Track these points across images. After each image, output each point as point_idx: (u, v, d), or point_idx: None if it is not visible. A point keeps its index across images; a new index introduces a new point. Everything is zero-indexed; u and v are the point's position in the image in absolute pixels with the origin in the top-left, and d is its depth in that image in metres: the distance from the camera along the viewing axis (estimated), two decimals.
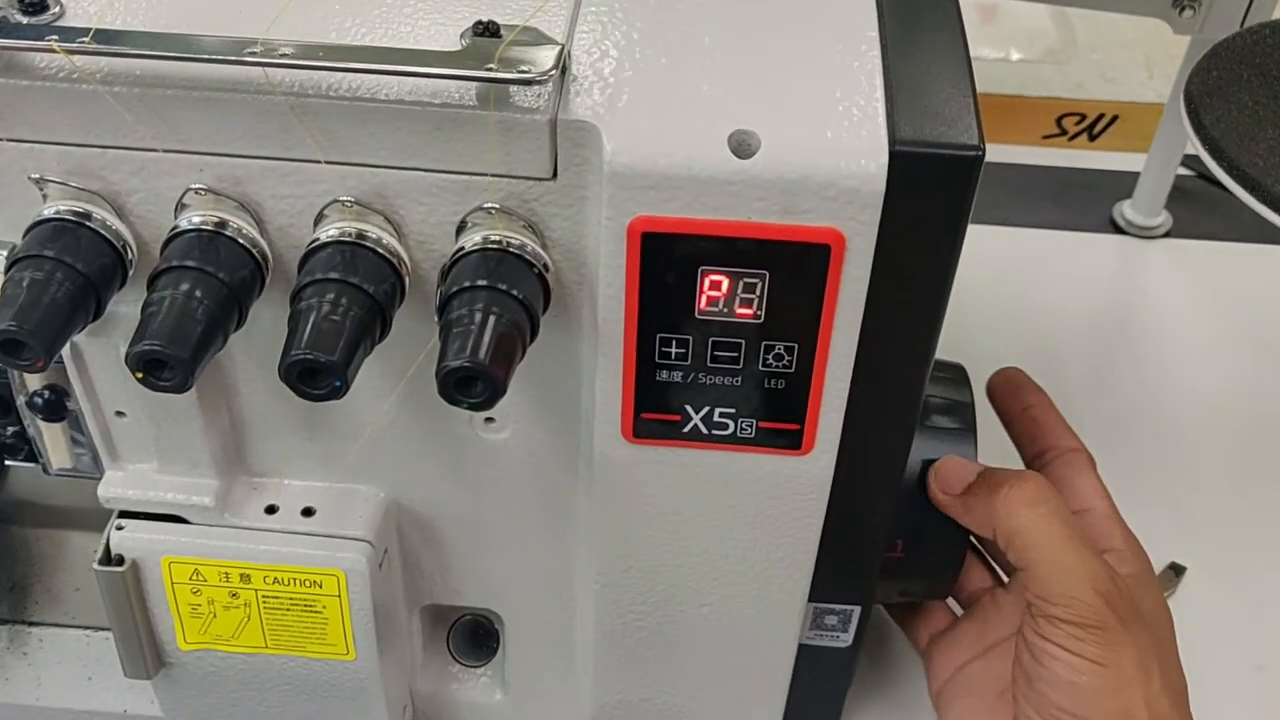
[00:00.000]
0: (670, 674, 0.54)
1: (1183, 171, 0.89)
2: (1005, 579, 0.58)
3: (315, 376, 0.38)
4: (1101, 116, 1.05)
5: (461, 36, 0.40)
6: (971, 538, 0.55)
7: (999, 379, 0.60)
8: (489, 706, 0.58)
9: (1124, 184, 0.92)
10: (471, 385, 0.38)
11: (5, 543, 0.54)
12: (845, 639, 0.55)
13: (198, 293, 0.39)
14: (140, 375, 0.38)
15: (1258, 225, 0.91)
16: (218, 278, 0.40)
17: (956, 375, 0.57)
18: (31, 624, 0.55)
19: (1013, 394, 0.59)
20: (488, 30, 0.39)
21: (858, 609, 0.53)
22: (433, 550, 0.52)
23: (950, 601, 0.60)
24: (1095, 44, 1.07)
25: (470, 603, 0.54)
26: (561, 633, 0.54)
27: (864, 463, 0.46)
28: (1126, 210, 0.90)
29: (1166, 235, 0.90)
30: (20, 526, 0.54)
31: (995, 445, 0.58)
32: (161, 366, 0.38)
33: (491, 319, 0.38)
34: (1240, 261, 0.89)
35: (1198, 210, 0.91)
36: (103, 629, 0.55)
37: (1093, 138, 1.08)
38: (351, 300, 0.39)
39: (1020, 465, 0.58)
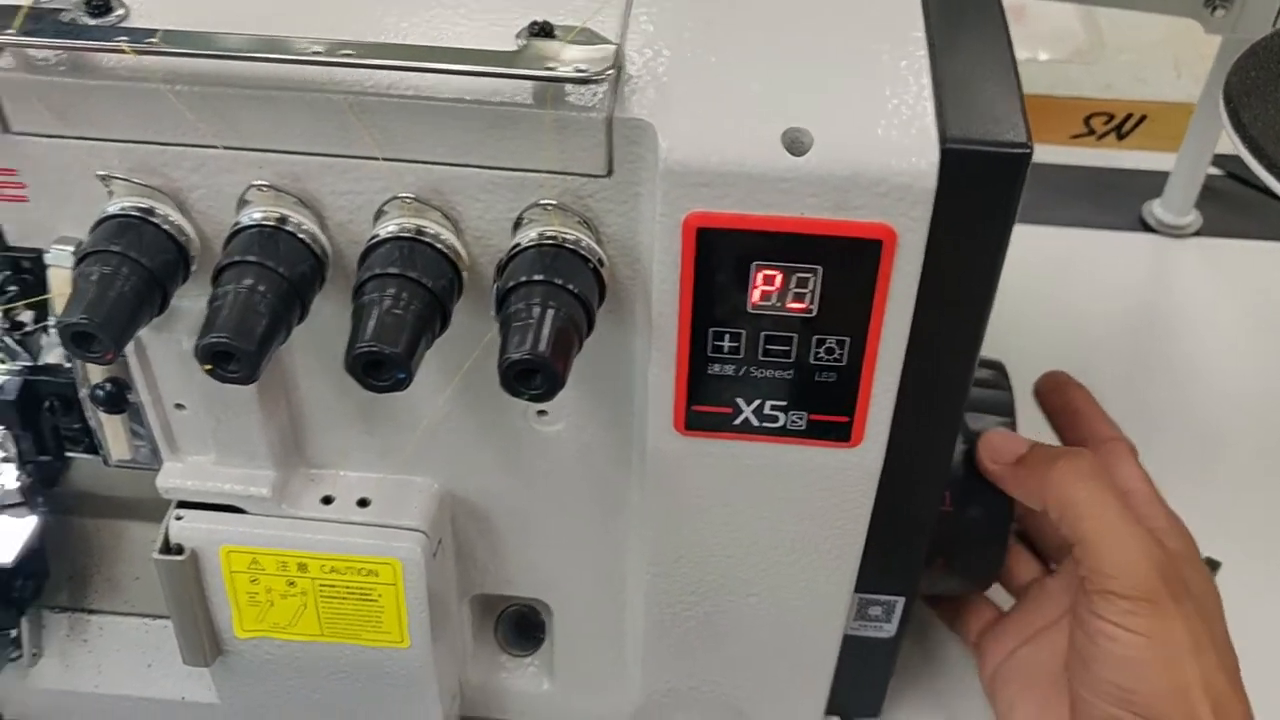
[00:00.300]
0: (717, 663, 0.55)
1: (1212, 170, 0.89)
2: (1052, 568, 0.58)
3: (380, 368, 0.39)
4: (1130, 116, 1.06)
5: (517, 36, 0.41)
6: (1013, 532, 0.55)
7: (1045, 381, 0.61)
8: (537, 696, 0.59)
9: (1153, 183, 0.93)
10: (532, 377, 0.39)
11: (66, 533, 0.55)
12: (889, 629, 0.55)
13: (261, 287, 0.40)
14: (208, 368, 0.39)
15: None
16: (279, 272, 0.41)
17: (997, 370, 0.58)
18: (91, 612, 0.57)
19: (1056, 391, 0.60)
20: (543, 30, 0.40)
21: (902, 600, 0.54)
22: (485, 540, 0.53)
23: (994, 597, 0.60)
24: (1124, 44, 1.07)
25: (521, 592, 0.55)
26: (610, 622, 0.55)
27: (911, 455, 0.46)
28: (1156, 209, 0.91)
29: (1197, 234, 0.90)
30: (80, 517, 0.55)
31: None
32: (229, 359, 0.39)
33: (550, 313, 0.39)
34: (1271, 260, 0.89)
35: (1228, 209, 0.91)
36: (161, 617, 0.56)
37: (1121, 137, 1.08)
38: (413, 295, 0.40)
39: None
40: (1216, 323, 0.85)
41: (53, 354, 0.51)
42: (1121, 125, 1.05)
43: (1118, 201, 0.93)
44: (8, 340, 0.48)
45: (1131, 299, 0.87)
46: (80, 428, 0.51)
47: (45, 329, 0.47)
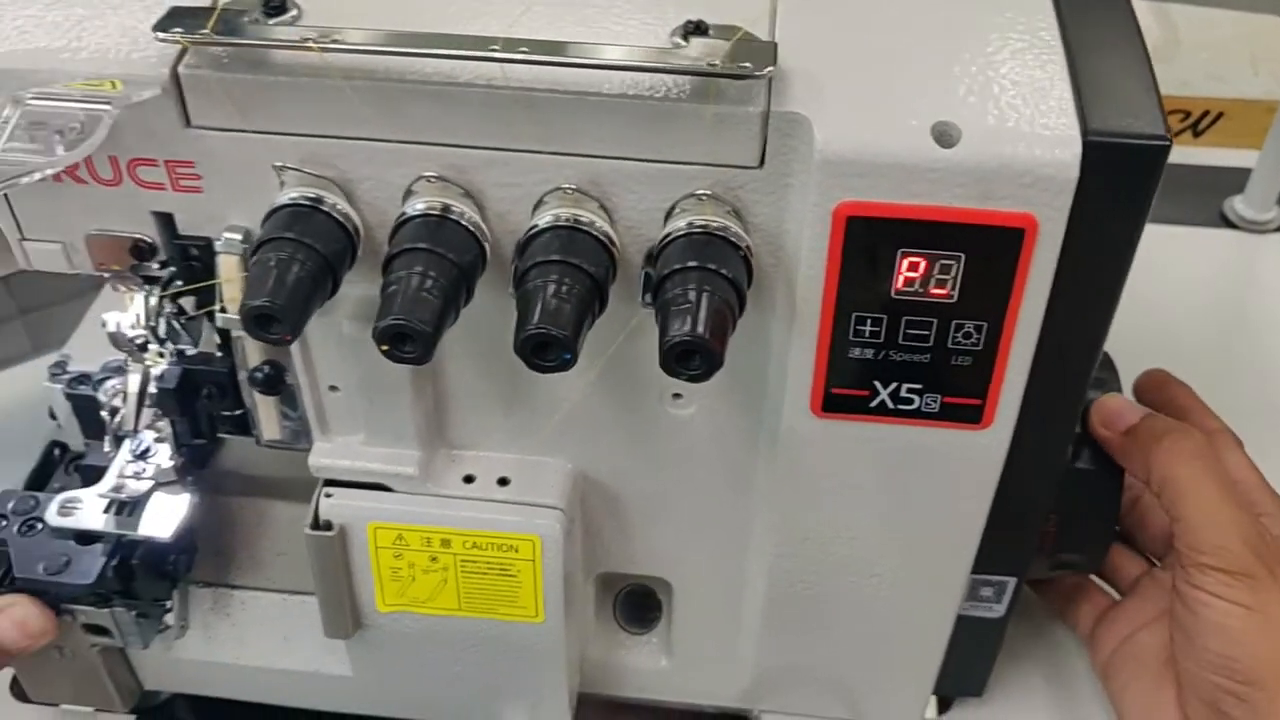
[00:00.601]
0: (832, 641, 0.57)
1: None
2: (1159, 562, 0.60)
3: (547, 350, 0.41)
4: (1206, 113, 1.07)
5: (672, 34, 0.43)
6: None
7: (1144, 379, 0.63)
8: (654, 673, 0.61)
9: (1232, 179, 0.94)
10: (691, 358, 0.41)
11: (212, 511, 0.57)
12: (999, 609, 0.57)
13: (433, 272, 0.42)
14: (385, 348, 0.42)
15: None
16: (449, 259, 0.43)
17: (1104, 360, 0.60)
18: (234, 587, 0.59)
19: (1157, 389, 0.62)
20: (698, 29, 0.42)
21: (1013, 580, 0.56)
22: (613, 520, 0.55)
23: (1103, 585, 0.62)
24: (1200, 42, 1.08)
25: (645, 571, 0.57)
26: (729, 601, 0.57)
27: (1034, 437, 0.48)
28: (1238, 205, 0.92)
29: (1279, 230, 0.91)
30: (226, 496, 0.58)
31: None
32: (405, 340, 0.41)
33: (706, 296, 0.41)
34: None
35: None
36: (300, 593, 0.59)
37: (1197, 134, 1.09)
38: (575, 279, 0.42)
39: None
40: None
41: (207, 343, 0.54)
42: (1198, 123, 1.06)
43: (1198, 198, 0.94)
44: (175, 324, 0.51)
45: (1215, 295, 0.88)
46: (233, 413, 0.54)
47: (209, 315, 0.49)
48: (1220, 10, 0.91)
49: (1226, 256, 0.90)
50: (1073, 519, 0.56)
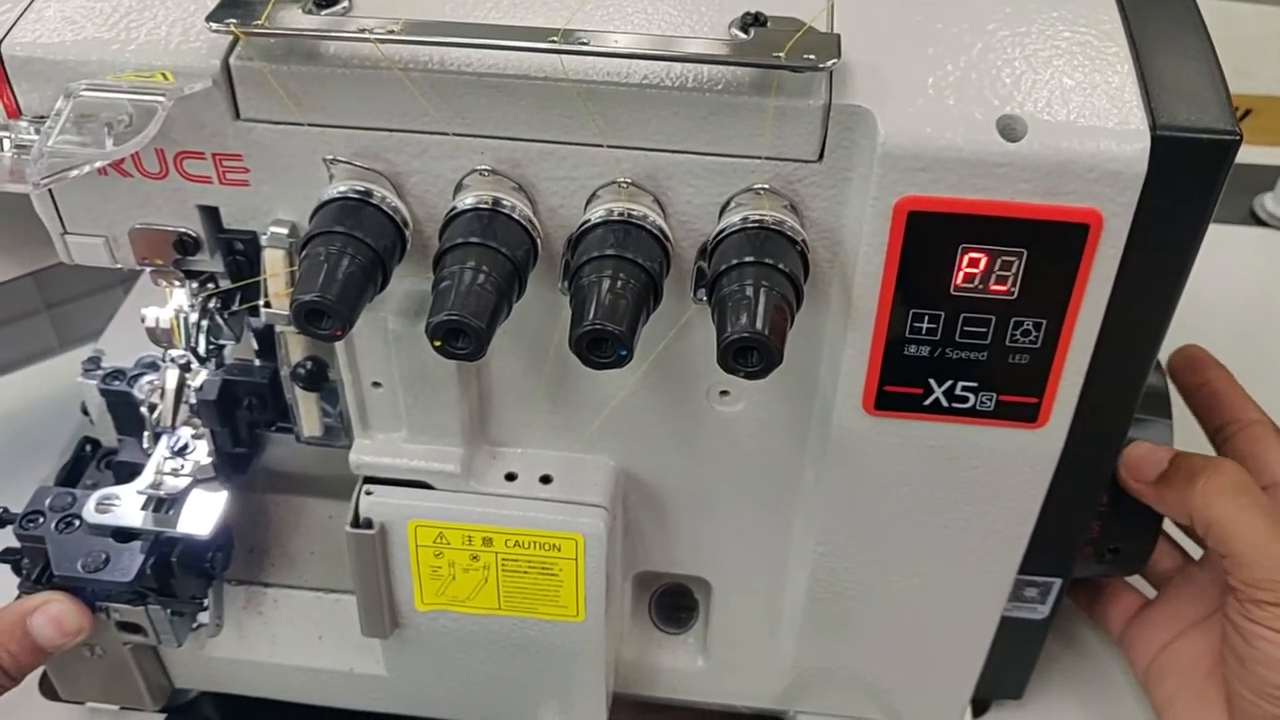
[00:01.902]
0: (872, 643, 0.57)
1: None
2: (1194, 557, 0.59)
3: (602, 346, 0.41)
4: (1234, 110, 1.06)
5: (730, 25, 0.42)
6: None
7: (1179, 357, 0.62)
8: (690, 673, 0.60)
9: (1260, 177, 0.93)
10: (749, 355, 0.40)
11: (247, 508, 0.57)
12: (1042, 611, 0.56)
13: (485, 267, 0.42)
14: (438, 344, 0.41)
15: None
16: (502, 253, 0.42)
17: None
18: (267, 585, 0.59)
19: (1192, 370, 0.61)
20: (756, 20, 0.42)
21: (1058, 581, 0.55)
22: (654, 518, 0.54)
23: (1137, 582, 0.61)
24: (1226, 38, 1.07)
25: (684, 570, 0.56)
26: (769, 601, 0.57)
27: (1087, 437, 0.48)
28: (1268, 202, 0.91)
29: None
30: (260, 493, 0.57)
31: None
32: (458, 336, 0.41)
33: (764, 292, 0.41)
34: None
35: None
36: (334, 591, 0.58)
37: None
38: (630, 274, 0.42)
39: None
40: None
41: (244, 349, 0.53)
42: None
43: (1227, 195, 0.92)
44: (218, 319, 0.50)
45: (1246, 292, 0.88)
46: (273, 418, 0.53)
47: (253, 310, 0.48)
48: (1248, 5, 0.90)
49: (1256, 253, 0.90)
50: (1117, 520, 0.56)
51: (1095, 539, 0.56)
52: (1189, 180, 0.41)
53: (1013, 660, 0.59)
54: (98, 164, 0.41)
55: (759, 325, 0.40)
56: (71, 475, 0.60)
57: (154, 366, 0.58)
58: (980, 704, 0.62)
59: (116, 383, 0.58)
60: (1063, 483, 0.49)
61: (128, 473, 0.56)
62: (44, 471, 0.72)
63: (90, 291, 0.78)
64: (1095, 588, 0.62)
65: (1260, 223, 0.91)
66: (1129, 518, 0.56)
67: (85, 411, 0.61)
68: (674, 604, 0.61)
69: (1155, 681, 0.57)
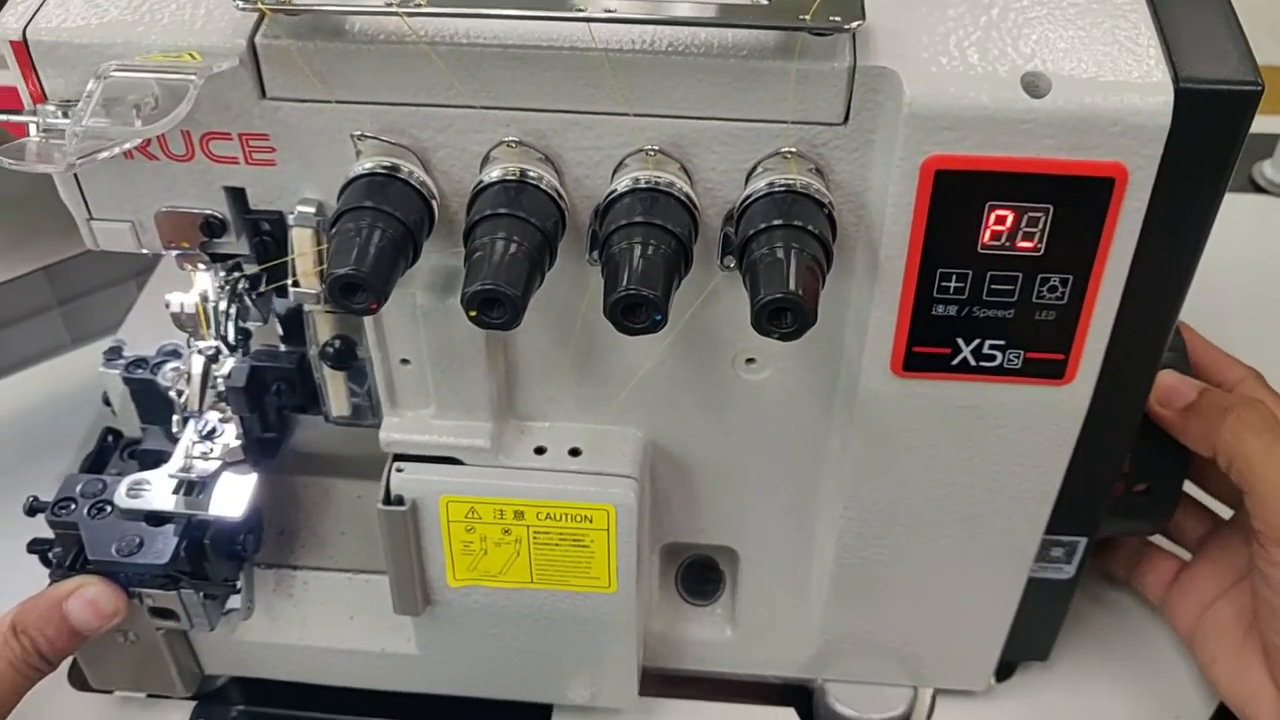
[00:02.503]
0: (900, 607, 0.57)
1: None
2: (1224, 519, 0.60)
3: (636, 312, 0.41)
4: None
5: None
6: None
7: None
8: (719, 644, 0.61)
9: (1260, 145, 0.94)
10: (783, 316, 0.41)
11: (275, 491, 0.57)
12: (1068, 570, 0.57)
13: (517, 237, 0.42)
14: (473, 314, 0.41)
15: None
16: (533, 223, 0.42)
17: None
18: (297, 568, 0.59)
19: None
20: None
21: (1084, 540, 0.56)
22: (681, 489, 0.55)
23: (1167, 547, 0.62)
24: None
25: (712, 540, 0.57)
26: (797, 568, 0.57)
27: (1113, 391, 0.48)
28: (1267, 169, 0.92)
29: None
30: (288, 475, 0.58)
31: None
32: (494, 305, 0.41)
33: (795, 254, 0.41)
34: None
35: None
36: (364, 572, 0.59)
37: None
38: (661, 241, 0.42)
39: None
40: None
41: (270, 334, 0.54)
42: None
43: None
44: (247, 299, 0.50)
45: (1244, 258, 0.88)
46: (301, 402, 0.54)
47: (281, 290, 0.49)
48: None
49: (1255, 220, 0.91)
50: (1141, 475, 0.56)
51: (1125, 474, 0.56)
52: (1212, 131, 0.41)
53: (1039, 622, 0.60)
54: (130, 144, 0.41)
55: (792, 286, 0.40)
56: (95, 466, 0.60)
57: (176, 354, 0.58)
58: (1006, 667, 0.63)
59: (140, 371, 0.58)
60: (1088, 440, 0.50)
61: (152, 461, 0.56)
62: (60, 467, 0.72)
63: (102, 286, 0.78)
64: (1133, 554, 0.63)
65: (1259, 189, 0.92)
66: (1156, 459, 0.56)
67: (107, 402, 0.61)
68: (700, 577, 0.62)
69: (1199, 644, 0.57)
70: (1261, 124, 0.98)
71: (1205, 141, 0.41)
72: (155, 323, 0.60)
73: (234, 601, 0.57)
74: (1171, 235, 0.44)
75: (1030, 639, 0.61)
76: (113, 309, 0.78)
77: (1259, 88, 0.40)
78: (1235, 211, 0.90)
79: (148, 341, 0.60)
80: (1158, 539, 0.63)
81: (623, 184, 0.43)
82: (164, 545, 0.51)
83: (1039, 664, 0.63)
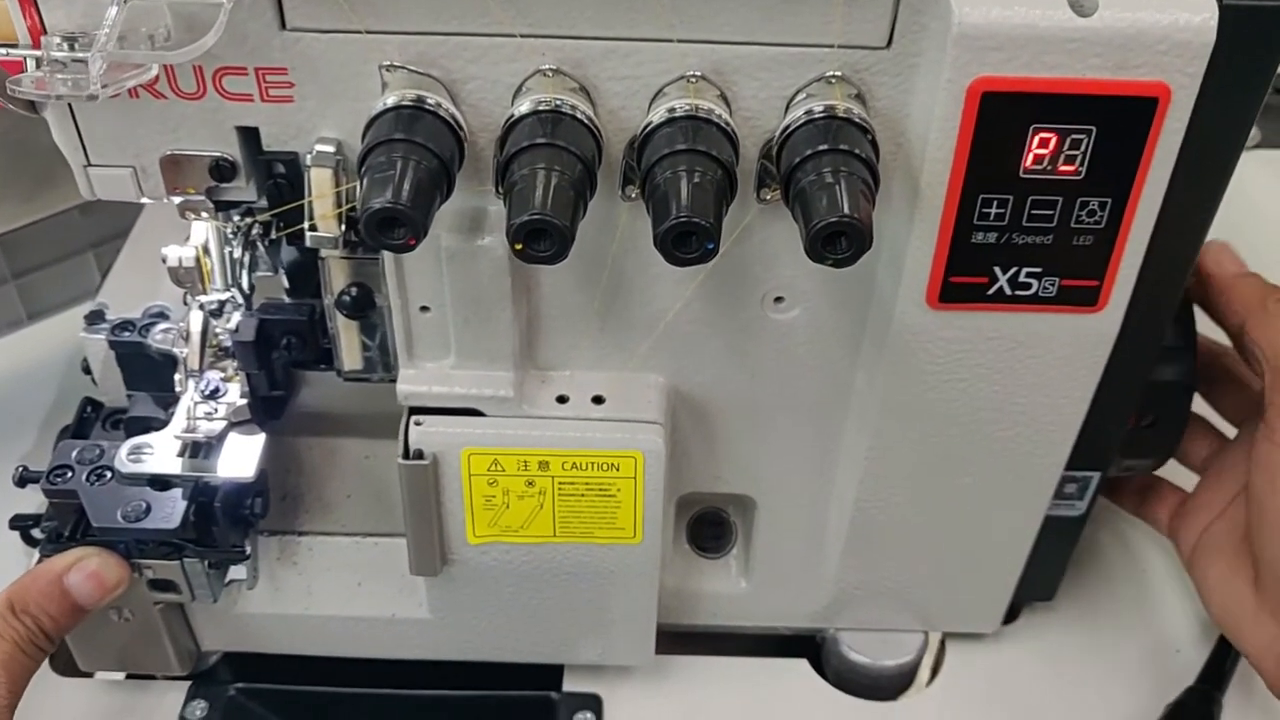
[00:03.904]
0: (916, 552, 0.57)
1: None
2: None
3: (688, 241, 0.40)
4: None
5: None
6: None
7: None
8: (732, 596, 0.60)
9: None
10: (838, 241, 0.40)
11: (278, 454, 0.55)
12: (1080, 507, 0.57)
13: (557, 166, 0.41)
14: (519, 248, 0.40)
15: None
16: (573, 151, 0.41)
17: None
18: (301, 534, 0.57)
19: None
20: None
21: (1096, 475, 0.56)
22: (702, 437, 0.54)
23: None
24: None
25: (730, 489, 0.56)
26: (814, 516, 0.57)
27: (1139, 320, 0.48)
28: None
29: (1258, 147, 0.94)
30: (291, 437, 0.55)
31: None
32: (541, 238, 0.40)
33: (844, 178, 0.40)
34: None
35: None
36: (372, 535, 0.57)
37: None
38: (707, 168, 0.41)
39: None
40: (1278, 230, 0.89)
41: (275, 287, 0.52)
42: None
43: None
44: (260, 246, 0.48)
45: (1222, 211, 0.90)
46: (312, 357, 0.52)
47: (295, 236, 0.47)
48: None
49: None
50: (1148, 407, 0.57)
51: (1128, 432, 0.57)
52: (1253, 49, 0.41)
53: (1048, 561, 0.60)
54: (154, 71, 0.39)
55: (847, 210, 0.40)
56: (77, 438, 0.57)
57: (164, 315, 0.56)
58: (1012, 608, 0.63)
59: (126, 334, 0.55)
60: (1111, 370, 0.50)
61: (142, 428, 0.54)
62: (24, 447, 0.69)
63: (59, 258, 0.75)
64: (1141, 488, 0.63)
65: None
66: (1163, 391, 0.56)
67: (87, 370, 0.58)
68: (707, 533, 0.61)
69: (1195, 564, 0.58)
70: None
71: (1245, 60, 0.42)
72: (137, 284, 0.57)
73: (235, 572, 0.55)
74: (1205, 158, 0.44)
75: (1038, 579, 0.61)
76: (71, 283, 0.75)
77: None
78: None
79: (130, 305, 0.57)
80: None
81: (659, 114, 0.42)
82: (172, 509, 0.49)
83: (1044, 605, 0.64)
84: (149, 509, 0.49)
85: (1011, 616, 0.64)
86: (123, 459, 0.50)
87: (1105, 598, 0.65)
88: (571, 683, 0.60)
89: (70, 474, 0.50)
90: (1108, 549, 0.66)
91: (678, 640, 0.62)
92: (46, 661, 0.59)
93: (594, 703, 0.60)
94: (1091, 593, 0.65)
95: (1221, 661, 0.61)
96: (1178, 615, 0.64)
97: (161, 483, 0.50)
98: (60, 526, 0.50)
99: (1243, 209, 0.90)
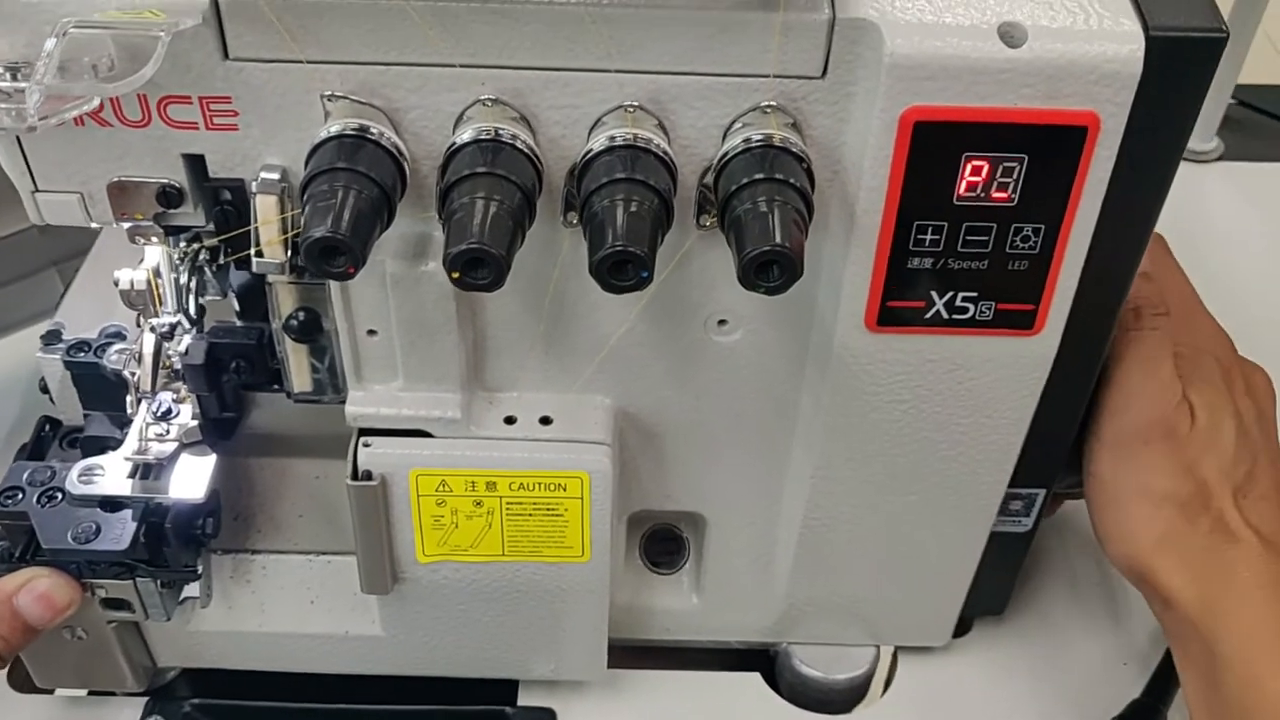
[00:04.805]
0: (865, 567, 0.58)
1: (1230, 101, 0.94)
2: None
3: (623, 269, 0.41)
4: None
5: None
6: None
7: None
8: (684, 612, 0.61)
9: None
10: (770, 270, 0.41)
11: (231, 474, 0.55)
12: (1026, 523, 0.58)
13: (497, 196, 0.41)
14: (456, 276, 0.41)
15: None
16: (512, 181, 0.42)
17: None
18: (255, 552, 0.57)
19: None
20: None
21: (1041, 492, 0.57)
22: (651, 456, 0.54)
23: None
24: None
25: (680, 507, 0.57)
26: (764, 533, 0.57)
27: (1076, 343, 0.49)
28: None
29: (1220, 159, 0.95)
30: (243, 458, 0.56)
31: None
32: (478, 266, 0.40)
33: (778, 207, 0.41)
34: None
35: (1246, 136, 0.97)
36: (324, 553, 0.57)
37: None
38: (644, 197, 0.42)
39: None
40: (1240, 240, 0.90)
41: (225, 310, 0.52)
42: None
43: None
44: (207, 271, 0.48)
45: (1161, 219, 0.91)
46: (261, 380, 0.52)
47: (243, 260, 0.47)
48: None
49: (1180, 187, 0.93)
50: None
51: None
52: (1180, 78, 0.42)
53: (997, 575, 0.61)
54: (91, 104, 0.40)
55: (779, 239, 0.40)
56: (33, 458, 0.57)
57: (120, 335, 0.56)
58: (964, 622, 0.64)
59: (82, 355, 0.55)
60: (1051, 391, 0.51)
61: (98, 448, 0.54)
62: None
63: (21, 275, 0.75)
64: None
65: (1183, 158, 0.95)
66: None
67: (45, 389, 0.58)
68: (661, 549, 0.61)
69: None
70: None
71: (1173, 88, 0.42)
72: (94, 304, 0.58)
73: (189, 590, 0.55)
74: (1138, 183, 0.45)
75: (988, 593, 0.62)
76: (32, 299, 0.75)
77: (1225, 34, 0.41)
78: None
79: (87, 325, 0.57)
80: None
81: (599, 142, 0.43)
82: (122, 530, 0.49)
83: (995, 618, 0.65)
84: (99, 530, 0.49)
85: (963, 630, 0.65)
86: (74, 481, 0.50)
87: (1055, 612, 0.65)
88: (526, 697, 0.61)
89: (21, 495, 0.50)
90: (1058, 564, 0.67)
91: (633, 654, 0.63)
92: (4, 678, 0.60)
93: (548, 716, 0.60)
94: (1042, 607, 0.65)
95: (1167, 674, 0.61)
96: (1126, 629, 0.65)
97: (112, 504, 0.50)
98: (11, 547, 0.51)
99: (1204, 221, 0.92)
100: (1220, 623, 0.50)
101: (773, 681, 0.63)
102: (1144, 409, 0.53)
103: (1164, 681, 0.61)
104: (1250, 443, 0.53)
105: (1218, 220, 0.92)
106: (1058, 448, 0.55)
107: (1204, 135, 0.94)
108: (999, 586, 0.62)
